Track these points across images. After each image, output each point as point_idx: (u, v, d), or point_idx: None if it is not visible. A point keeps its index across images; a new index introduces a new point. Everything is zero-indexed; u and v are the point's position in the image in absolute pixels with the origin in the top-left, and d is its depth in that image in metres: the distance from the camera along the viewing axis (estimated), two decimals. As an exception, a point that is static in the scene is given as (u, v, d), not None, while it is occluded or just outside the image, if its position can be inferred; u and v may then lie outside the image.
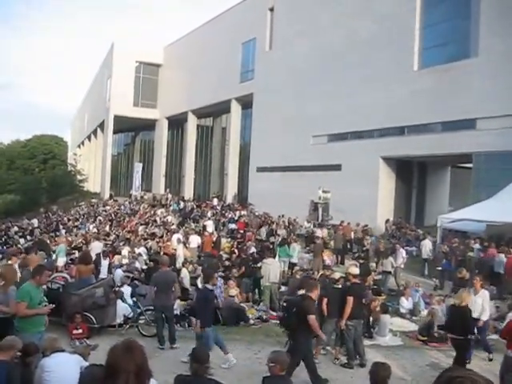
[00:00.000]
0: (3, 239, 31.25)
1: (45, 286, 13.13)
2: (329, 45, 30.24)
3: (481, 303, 10.79)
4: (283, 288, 16.41)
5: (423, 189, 29.56)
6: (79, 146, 76.33)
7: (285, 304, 9.89)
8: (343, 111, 28.78)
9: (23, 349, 6.42)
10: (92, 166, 64.03)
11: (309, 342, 8.85)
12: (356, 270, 11.04)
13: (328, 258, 20.20)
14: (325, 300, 10.47)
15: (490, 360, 10.60)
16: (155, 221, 32.59)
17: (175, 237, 23.02)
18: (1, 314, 8.46)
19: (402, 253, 18.93)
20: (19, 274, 11.09)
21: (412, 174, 29.55)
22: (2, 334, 7.85)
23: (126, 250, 21.05)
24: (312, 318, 8.50)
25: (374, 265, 19.42)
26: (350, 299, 10.00)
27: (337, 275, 11.75)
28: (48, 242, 23.60)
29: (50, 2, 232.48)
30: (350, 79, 28.55)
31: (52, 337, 7.22)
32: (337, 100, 29.27)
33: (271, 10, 36.01)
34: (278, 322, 10.58)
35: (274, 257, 17.49)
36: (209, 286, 9.87)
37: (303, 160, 31.35)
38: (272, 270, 15.20)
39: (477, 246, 19.38)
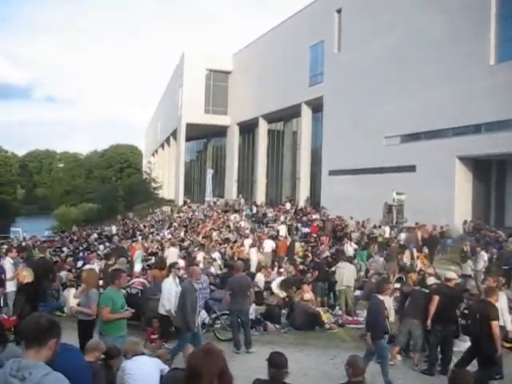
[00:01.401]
0: (84, 245, 32.51)
1: (124, 291, 13.59)
2: (398, 42, 29.65)
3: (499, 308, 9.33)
4: (358, 292, 16.21)
5: (503, 188, 28.28)
6: (153, 155, 78.19)
7: (466, 311, 9.35)
8: (415, 110, 28.09)
9: (106, 352, 6.65)
10: (166, 173, 65.41)
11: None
12: (452, 275, 10.76)
13: (407, 259, 19.83)
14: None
15: None
16: (228, 226, 32.94)
17: (248, 242, 23.18)
18: (84, 316, 8.80)
19: (483, 256, 18.23)
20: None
21: (490, 173, 28.37)
22: (85, 336, 8.18)
23: (200, 256, 21.36)
24: (496, 325, 8.24)
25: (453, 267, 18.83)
26: (435, 298, 9.72)
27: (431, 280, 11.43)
28: (126, 248, 24.31)
29: (128, 17, 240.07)
30: (421, 77, 27.85)
31: (134, 340, 7.43)
32: (408, 99, 28.63)
33: (338, 11, 35.72)
34: (461, 329, 9.54)
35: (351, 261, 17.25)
36: (380, 297, 9.31)
37: (376, 162, 30.86)
38: (346, 273, 15.02)
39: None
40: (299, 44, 39.72)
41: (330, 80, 36.33)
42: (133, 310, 8.83)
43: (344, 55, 34.94)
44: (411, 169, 28.50)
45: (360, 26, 32.89)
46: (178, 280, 11.07)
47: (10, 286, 12.36)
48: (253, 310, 13.53)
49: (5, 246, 26.48)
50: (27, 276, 10.85)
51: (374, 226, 27.41)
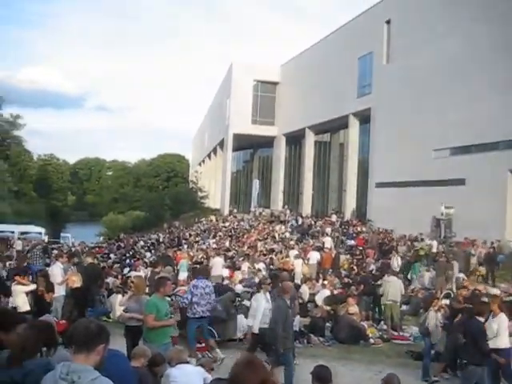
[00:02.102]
0: (131, 253, 33.05)
1: (169, 299, 13.73)
2: (448, 53, 29.13)
3: (495, 329, 9.07)
4: (404, 307, 15.93)
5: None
6: (200, 164, 78.96)
7: None
8: (466, 122, 27.49)
9: (151, 358, 6.71)
10: (212, 183, 65.90)
11: None
12: (496, 291, 10.50)
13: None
14: None
15: None
16: (274, 237, 32.93)
17: (293, 253, 23.11)
18: (133, 322, 8.93)
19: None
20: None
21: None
22: (133, 342, 8.29)
23: (245, 266, 21.38)
24: None
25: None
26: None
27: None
28: (172, 256, 24.55)
29: (176, 28, 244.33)
30: (472, 88, 27.28)
31: (179, 348, 7.49)
32: (458, 111, 28.07)
33: (388, 22, 35.45)
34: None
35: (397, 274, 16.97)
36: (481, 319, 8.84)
37: (424, 175, 30.35)
38: (392, 287, 14.77)
39: None
40: (347, 55, 39.55)
41: (378, 91, 36.03)
42: (178, 318, 8.92)
43: (392, 66, 34.62)
44: (460, 182, 27.91)
45: (409, 36, 32.52)
46: (269, 296, 10.54)
47: (60, 291, 12.65)
48: (297, 322, 13.46)
49: (55, 252, 27.19)
50: (76, 281, 11.10)
51: (416, 239, 26.96)
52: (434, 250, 24.58)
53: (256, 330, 9.99)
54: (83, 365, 3.32)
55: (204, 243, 34.43)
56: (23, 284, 11.50)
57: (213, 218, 49.17)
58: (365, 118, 38.06)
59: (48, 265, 17.81)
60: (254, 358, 3.27)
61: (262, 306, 10.21)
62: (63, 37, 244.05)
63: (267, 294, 10.63)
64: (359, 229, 32.25)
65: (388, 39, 35.64)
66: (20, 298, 11.07)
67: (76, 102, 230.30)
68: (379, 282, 16.02)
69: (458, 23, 28.92)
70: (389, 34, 35.56)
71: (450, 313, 11.19)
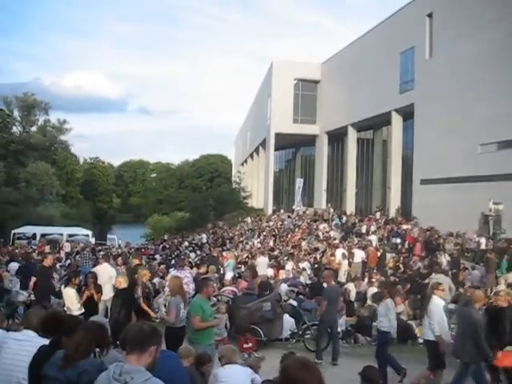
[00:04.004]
0: (175, 253, 33.41)
1: (214, 299, 13.83)
2: (494, 44, 28.30)
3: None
4: (452, 305, 15.62)
5: None
6: (242, 164, 79.20)
7: None
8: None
9: (198, 358, 6.76)
10: (255, 182, 66.01)
11: None
12: None
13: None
14: None
15: None
16: (317, 236, 32.79)
17: (339, 252, 22.96)
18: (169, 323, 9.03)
19: None
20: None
21: None
22: (172, 343, 8.36)
23: (290, 265, 21.36)
24: None
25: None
26: None
27: None
28: (216, 256, 24.71)
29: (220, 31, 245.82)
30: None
31: (232, 348, 7.50)
32: (505, 104, 27.30)
33: (429, 16, 34.80)
34: None
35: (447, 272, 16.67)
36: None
37: (470, 170, 29.63)
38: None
39: None
40: (389, 51, 39.03)
41: (421, 86, 35.42)
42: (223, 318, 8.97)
43: (436, 60, 33.97)
44: (509, 177, 27.16)
45: (453, 29, 31.80)
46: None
47: (108, 292, 12.86)
48: (343, 322, 13.38)
49: (102, 253, 27.73)
50: (122, 282, 11.25)
51: (451, 234, 26.46)
52: (483, 246, 24.05)
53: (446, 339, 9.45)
54: (136, 366, 3.36)
55: (248, 243, 34.56)
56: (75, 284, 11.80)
57: (257, 217, 49.23)
58: (408, 113, 37.49)
59: (96, 266, 18.18)
60: (308, 361, 3.24)
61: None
62: (106, 42, 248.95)
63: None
64: (404, 226, 31.75)
65: (430, 33, 34.98)
66: (71, 300, 11.32)
67: (119, 105, 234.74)
68: (427, 281, 15.76)
69: (504, 12, 28.10)
70: (431, 27, 34.90)
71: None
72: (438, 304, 9.45)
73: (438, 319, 9.20)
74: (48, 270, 13.52)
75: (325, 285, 12.35)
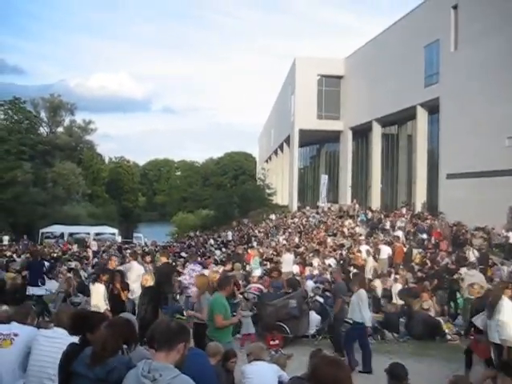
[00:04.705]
0: (201, 251, 33.57)
1: (241, 296, 13.86)
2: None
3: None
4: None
5: None
6: (267, 161, 79.17)
7: None
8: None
9: (224, 355, 6.79)
10: (279, 179, 65.93)
11: None
12: None
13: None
14: None
15: None
16: (343, 232, 32.63)
17: (363, 248, 22.83)
18: (198, 319, 9.07)
19: None
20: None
21: None
22: (200, 339, 8.40)
23: (315, 261, 21.30)
24: None
25: None
26: None
27: None
28: (242, 253, 24.76)
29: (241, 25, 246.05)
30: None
31: (260, 345, 7.52)
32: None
33: (455, 7, 34.30)
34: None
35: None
36: None
37: (498, 164, 29.17)
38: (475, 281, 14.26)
39: None
40: (413, 44, 38.59)
41: (446, 80, 34.97)
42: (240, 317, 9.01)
43: (461, 53, 33.47)
44: (537, 170, 26.74)
45: (479, 21, 31.28)
46: None
47: (135, 290, 12.96)
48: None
49: (128, 251, 28.01)
50: (149, 280, 11.33)
51: (478, 229, 26.09)
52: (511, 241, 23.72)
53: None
54: (164, 363, 3.39)
55: (273, 240, 34.55)
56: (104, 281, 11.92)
57: (282, 214, 49.16)
58: (433, 107, 37.06)
59: (123, 264, 18.36)
60: (339, 358, 3.23)
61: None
62: (129, 42, 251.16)
63: None
64: (431, 222, 31.42)
65: (456, 25, 34.49)
66: (99, 297, 11.43)
67: (143, 105, 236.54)
68: (456, 276, 15.58)
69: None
70: (456, 19, 34.40)
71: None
72: (509, 305, 8.74)
73: (508, 321, 8.70)
74: (112, 271, 13.11)
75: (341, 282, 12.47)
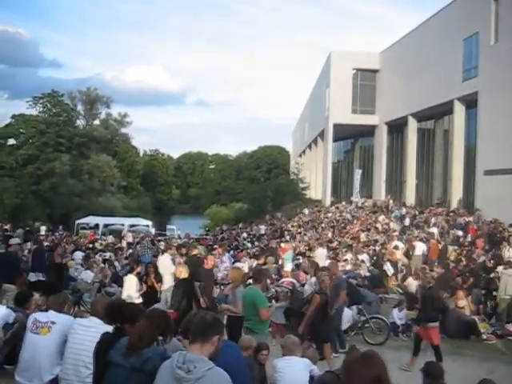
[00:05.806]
0: (234, 244, 33.70)
1: (273, 290, 13.89)
2: None
3: None
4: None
5: None
6: (300, 155, 78.93)
7: None
8: None
9: (256, 347, 6.82)
10: (313, 173, 65.68)
11: None
12: None
13: None
14: None
15: None
16: (376, 227, 32.36)
17: (401, 244, 22.65)
18: (232, 312, 9.11)
19: None
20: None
21: None
22: (233, 332, 8.45)
23: (348, 257, 21.19)
24: None
25: None
26: None
27: None
28: (275, 247, 24.74)
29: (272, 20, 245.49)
30: None
31: (295, 340, 7.51)
32: None
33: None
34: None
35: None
36: None
37: (537, 160, 28.56)
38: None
39: None
40: (451, 37, 37.87)
41: (485, 74, 34.24)
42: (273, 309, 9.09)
43: (502, 46, 32.69)
44: None
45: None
46: None
47: (168, 282, 13.08)
48: (403, 315, 13.19)
49: (162, 243, 28.27)
50: (183, 272, 11.41)
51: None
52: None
53: None
54: (198, 355, 3.41)
55: (306, 234, 34.46)
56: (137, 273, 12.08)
57: (306, 211, 48.91)
58: (471, 102, 36.35)
59: (156, 256, 18.56)
60: (371, 353, 3.19)
61: None
62: (164, 36, 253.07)
63: None
64: (467, 218, 30.89)
65: (496, 17, 33.73)
66: (132, 288, 11.58)
67: (178, 98, 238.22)
68: (493, 275, 15.29)
69: None
70: (497, 11, 33.63)
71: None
72: None
73: None
74: (209, 271, 12.74)
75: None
